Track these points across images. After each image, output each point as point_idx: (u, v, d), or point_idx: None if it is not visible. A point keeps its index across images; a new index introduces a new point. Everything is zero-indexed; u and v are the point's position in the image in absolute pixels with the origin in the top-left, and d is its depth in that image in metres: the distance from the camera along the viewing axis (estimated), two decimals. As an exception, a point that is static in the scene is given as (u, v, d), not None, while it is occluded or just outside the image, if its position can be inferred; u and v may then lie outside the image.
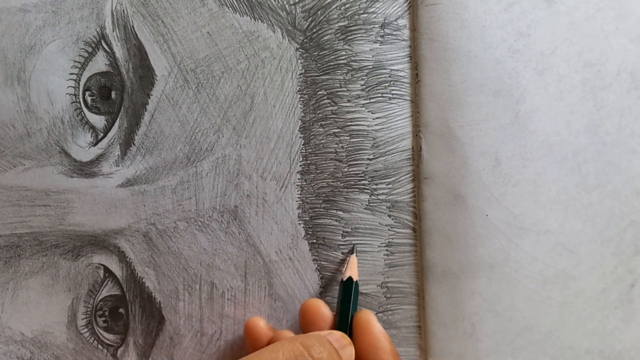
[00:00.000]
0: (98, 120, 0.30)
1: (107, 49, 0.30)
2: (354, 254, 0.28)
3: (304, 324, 0.27)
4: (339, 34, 0.29)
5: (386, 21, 0.29)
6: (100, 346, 0.30)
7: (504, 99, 0.28)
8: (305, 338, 0.24)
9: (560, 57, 0.28)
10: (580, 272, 0.28)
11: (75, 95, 0.30)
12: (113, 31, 0.30)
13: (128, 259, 0.30)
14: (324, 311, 0.27)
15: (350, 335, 0.26)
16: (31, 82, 0.30)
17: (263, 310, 0.29)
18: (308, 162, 0.29)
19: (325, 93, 0.29)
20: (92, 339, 0.30)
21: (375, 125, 0.29)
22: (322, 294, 0.29)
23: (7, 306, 0.30)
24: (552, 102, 0.28)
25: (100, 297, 0.30)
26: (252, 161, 0.30)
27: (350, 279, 0.27)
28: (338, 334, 0.25)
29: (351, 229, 0.29)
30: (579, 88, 0.28)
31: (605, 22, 0.28)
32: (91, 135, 0.30)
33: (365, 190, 0.29)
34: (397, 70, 0.29)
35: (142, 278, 0.30)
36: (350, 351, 0.25)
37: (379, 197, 0.29)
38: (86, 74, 0.30)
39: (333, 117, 0.29)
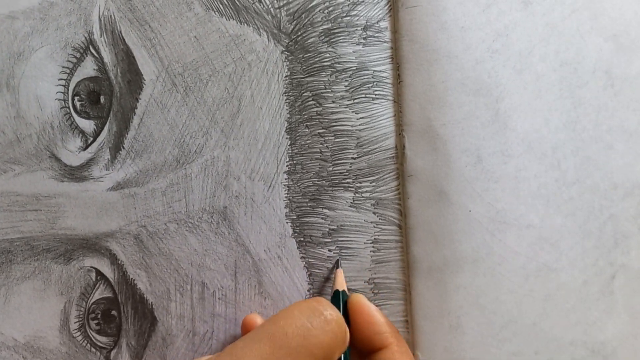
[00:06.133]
0: (87, 125, 0.30)
1: (95, 55, 0.30)
2: (339, 268, 0.29)
3: None
4: (323, 37, 0.30)
5: (368, 23, 0.30)
6: (93, 349, 0.30)
7: (484, 98, 0.29)
8: (317, 297, 0.25)
9: (538, 56, 0.29)
10: (562, 265, 0.29)
11: (64, 100, 0.30)
12: (101, 36, 0.30)
13: (119, 262, 0.30)
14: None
15: (348, 325, 0.27)
16: (20, 88, 0.30)
17: (253, 308, 0.30)
18: (294, 162, 0.30)
19: (310, 94, 0.30)
20: (85, 342, 0.30)
21: (359, 125, 0.30)
22: (310, 291, 0.30)
23: (-1, 312, 0.30)
24: (531, 100, 0.29)
25: (93, 300, 0.30)
26: (240, 162, 0.30)
27: (337, 291, 0.28)
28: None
29: (337, 226, 0.30)
30: (556, 86, 0.29)
31: (580, 23, 0.29)
32: (81, 140, 0.30)
33: (349, 189, 0.30)
34: (380, 71, 0.30)
35: (134, 280, 0.30)
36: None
37: (363, 194, 0.30)
38: (75, 79, 0.30)
39: (318, 118, 0.30)
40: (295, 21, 0.30)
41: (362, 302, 0.27)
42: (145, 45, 0.30)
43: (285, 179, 0.30)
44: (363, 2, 0.30)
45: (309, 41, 0.30)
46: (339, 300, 0.27)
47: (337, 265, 0.29)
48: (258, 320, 0.28)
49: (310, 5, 0.30)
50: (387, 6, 0.30)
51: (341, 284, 0.28)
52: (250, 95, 0.30)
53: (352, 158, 0.30)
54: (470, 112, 0.29)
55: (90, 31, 0.30)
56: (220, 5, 0.30)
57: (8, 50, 0.30)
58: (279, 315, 0.24)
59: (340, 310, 0.27)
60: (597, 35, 0.29)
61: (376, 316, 0.26)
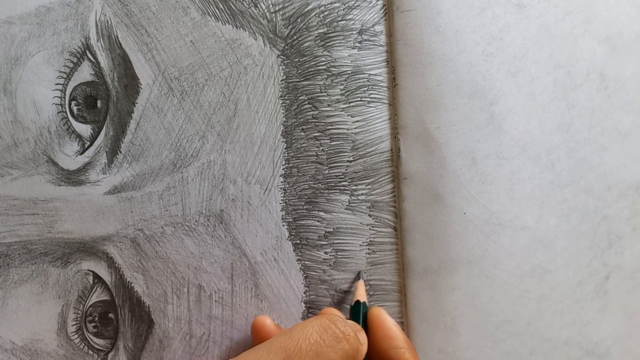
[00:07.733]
0: (84, 129, 0.30)
1: (92, 59, 0.30)
2: (361, 280, 0.29)
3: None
4: (319, 41, 0.30)
5: (363, 27, 0.30)
6: (90, 351, 0.30)
7: (479, 101, 0.29)
8: (329, 315, 0.25)
9: (532, 59, 0.29)
10: (557, 265, 0.29)
11: (61, 105, 0.30)
12: (97, 41, 0.30)
13: (117, 265, 0.30)
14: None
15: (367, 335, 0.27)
16: (17, 93, 0.30)
17: (250, 310, 0.30)
18: (290, 165, 0.30)
19: (306, 98, 0.30)
20: (83, 344, 0.30)
21: (355, 128, 0.30)
22: (307, 293, 0.30)
23: (-4, 315, 0.30)
24: (525, 102, 0.29)
25: (90, 303, 0.30)
26: (236, 166, 0.30)
27: (358, 301, 0.28)
28: (351, 322, 0.27)
29: (333, 229, 0.30)
30: (550, 89, 0.29)
31: (574, 25, 0.29)
32: (78, 144, 0.30)
33: (345, 191, 0.30)
34: (375, 74, 0.30)
35: (131, 283, 0.30)
36: (364, 335, 0.26)
37: (358, 197, 0.30)
38: (72, 84, 0.30)
39: (314, 122, 0.30)
40: (290, 25, 0.30)
41: (381, 316, 0.27)
42: (142, 50, 0.30)
43: (282, 182, 0.30)
44: (358, 6, 0.30)
45: (304, 45, 0.30)
46: (360, 311, 0.27)
47: (358, 276, 0.30)
48: (268, 322, 0.28)
49: (305, 10, 0.30)
50: (382, 10, 0.30)
51: (362, 295, 0.28)
52: (246, 99, 0.30)
53: (348, 161, 0.30)
54: (465, 115, 0.29)
55: (87, 36, 0.30)
56: (216, 10, 0.30)
57: (5, 55, 0.30)
58: (294, 329, 0.24)
59: (360, 322, 0.27)
60: (591, 38, 0.29)
61: (394, 331, 0.27)
